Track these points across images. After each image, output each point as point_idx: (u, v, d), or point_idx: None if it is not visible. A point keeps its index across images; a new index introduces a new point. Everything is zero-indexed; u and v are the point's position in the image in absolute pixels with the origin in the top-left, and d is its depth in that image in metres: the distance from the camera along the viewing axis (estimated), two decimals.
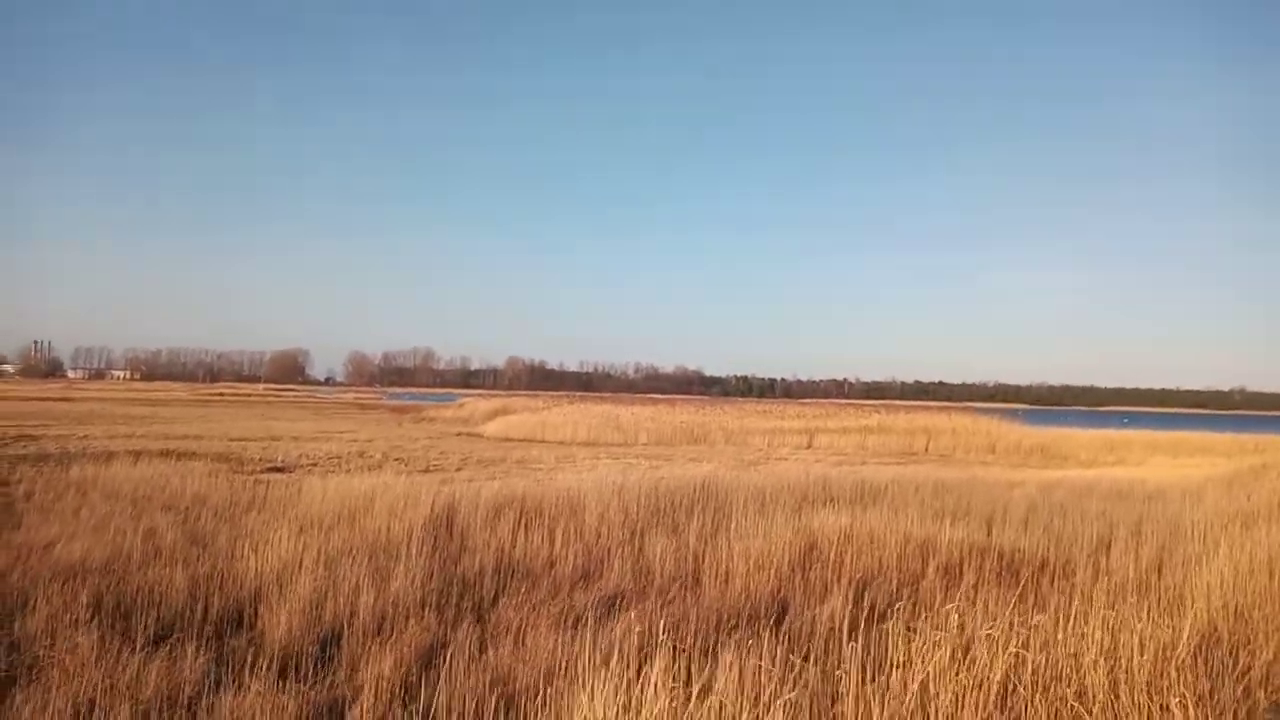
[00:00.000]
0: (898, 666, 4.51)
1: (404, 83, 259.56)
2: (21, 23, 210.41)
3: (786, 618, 7.61)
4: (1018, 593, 8.38)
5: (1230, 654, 5.36)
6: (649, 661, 5.31)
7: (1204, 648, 5.49)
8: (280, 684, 5.55)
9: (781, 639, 6.48)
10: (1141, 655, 4.59)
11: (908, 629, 5.69)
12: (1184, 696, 4.27)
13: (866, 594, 8.55)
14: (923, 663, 4.44)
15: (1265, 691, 5.31)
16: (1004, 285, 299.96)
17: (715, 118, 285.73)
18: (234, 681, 5.45)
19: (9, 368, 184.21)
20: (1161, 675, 4.54)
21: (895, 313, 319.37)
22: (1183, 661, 4.80)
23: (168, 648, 6.12)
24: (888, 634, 5.25)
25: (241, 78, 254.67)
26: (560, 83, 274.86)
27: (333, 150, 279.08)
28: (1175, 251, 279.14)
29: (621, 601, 8.04)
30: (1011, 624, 4.93)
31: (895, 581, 9.16)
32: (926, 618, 5.70)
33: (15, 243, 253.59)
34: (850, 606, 7.67)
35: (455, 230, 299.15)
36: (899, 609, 7.73)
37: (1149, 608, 6.21)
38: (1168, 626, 5.58)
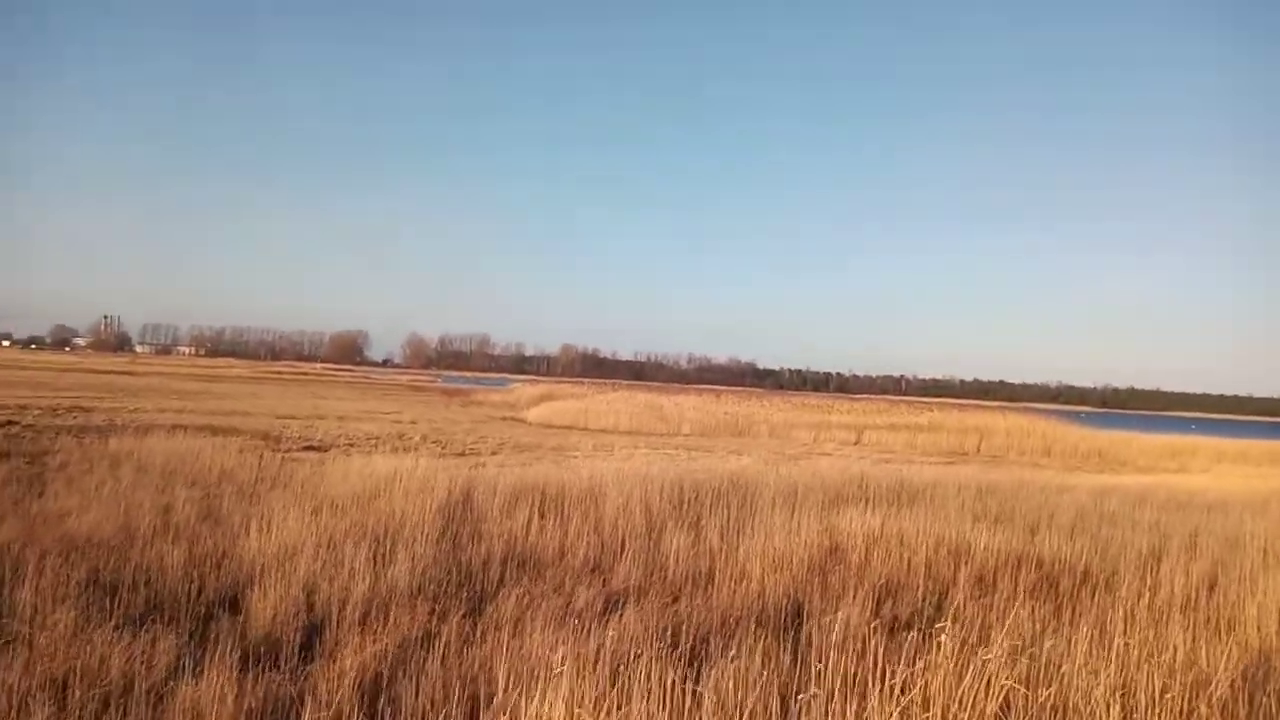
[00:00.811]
0: (885, 695, 4.03)
1: (469, 68, 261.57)
2: None
3: (796, 624, 7.16)
4: (1053, 608, 7.83)
5: None
6: (630, 666, 4.95)
7: (1250, 681, 4.93)
8: (246, 674, 5.29)
9: (784, 648, 6.07)
10: (1165, 693, 4.05)
11: (924, 637, 5.24)
12: None
13: (888, 602, 8.07)
14: (904, 692, 3.97)
15: None
16: (1072, 284, 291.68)
17: (781, 110, 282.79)
18: (198, 669, 5.20)
19: (80, 341, 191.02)
20: (1191, 714, 4.00)
21: (957, 309, 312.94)
22: (1219, 699, 4.25)
23: (144, 629, 5.94)
24: (887, 651, 4.79)
25: (306, 59, 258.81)
26: (620, 72, 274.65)
27: (402, 139, 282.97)
28: (1251, 254, 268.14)
29: (624, 599, 7.68)
30: (1015, 649, 4.41)
31: (921, 590, 8.63)
32: (938, 633, 5.21)
33: (89, 220, 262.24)
34: (867, 615, 7.21)
35: (514, 218, 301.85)
36: (916, 621, 7.26)
37: (1191, 630, 5.65)
38: (1209, 653, 5.02)
